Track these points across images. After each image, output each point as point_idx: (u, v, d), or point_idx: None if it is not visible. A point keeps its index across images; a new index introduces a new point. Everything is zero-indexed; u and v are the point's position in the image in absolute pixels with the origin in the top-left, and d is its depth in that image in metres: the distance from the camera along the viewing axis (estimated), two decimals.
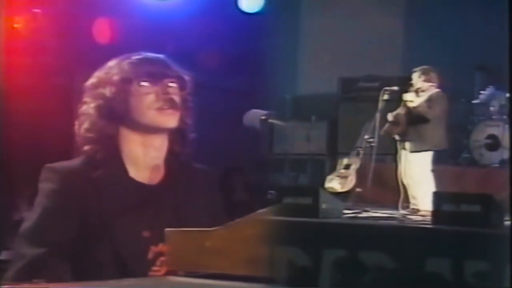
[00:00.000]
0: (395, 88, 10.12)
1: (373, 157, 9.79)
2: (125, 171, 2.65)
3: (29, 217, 2.64)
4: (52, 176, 2.65)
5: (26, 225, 2.62)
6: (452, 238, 1.81)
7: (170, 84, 2.67)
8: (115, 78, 2.66)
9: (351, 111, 11.44)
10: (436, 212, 1.90)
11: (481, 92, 10.54)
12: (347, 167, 10.45)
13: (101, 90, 2.68)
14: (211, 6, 10.08)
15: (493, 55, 10.98)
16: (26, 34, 9.46)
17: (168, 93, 2.65)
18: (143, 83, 2.64)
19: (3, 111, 8.61)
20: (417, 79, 9.31)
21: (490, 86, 10.59)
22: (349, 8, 11.73)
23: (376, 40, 11.42)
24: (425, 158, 9.05)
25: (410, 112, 9.21)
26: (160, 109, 2.63)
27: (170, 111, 2.64)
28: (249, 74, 10.53)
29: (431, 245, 1.81)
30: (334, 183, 10.26)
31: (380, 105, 9.86)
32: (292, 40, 12.30)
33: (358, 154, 10.37)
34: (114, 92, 2.65)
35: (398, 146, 9.25)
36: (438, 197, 1.95)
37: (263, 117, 2.85)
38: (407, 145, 9.16)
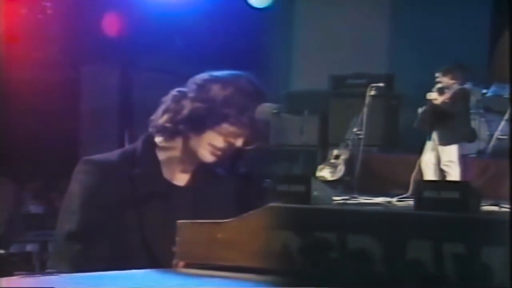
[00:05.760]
0: (381, 84, 10.13)
1: (361, 148, 9.80)
2: (160, 172, 2.55)
3: (68, 209, 2.48)
4: (91, 169, 2.50)
5: (68, 217, 2.48)
6: (433, 222, 1.81)
7: (237, 139, 2.52)
8: (196, 103, 2.52)
9: (340, 106, 11.43)
10: (419, 199, 1.90)
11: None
12: (337, 157, 10.45)
13: (184, 102, 2.54)
14: (220, 0, 9.70)
15: (470, 54, 11.00)
16: (34, 28, 8.97)
17: (236, 143, 2.52)
18: (226, 124, 2.50)
19: (7, 108, 8.28)
20: (442, 77, 9.29)
21: (468, 83, 10.58)
22: (340, 10, 11.73)
23: (364, 40, 11.42)
24: (453, 150, 9.06)
25: (436, 108, 9.19)
26: (213, 153, 2.53)
27: (221, 156, 2.54)
28: (249, 69, 10.38)
29: (414, 229, 1.81)
30: (324, 172, 10.27)
31: (367, 100, 9.87)
32: (286, 40, 12.28)
33: (347, 145, 10.39)
34: (190, 110, 2.52)
35: (428, 138, 9.24)
36: (420, 185, 1.95)
37: (275, 111, 2.80)
38: (436, 138, 9.15)
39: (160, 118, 2.57)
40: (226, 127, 2.51)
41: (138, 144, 2.59)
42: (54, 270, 2.40)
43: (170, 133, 2.55)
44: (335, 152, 10.52)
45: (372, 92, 9.91)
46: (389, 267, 1.78)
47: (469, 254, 1.71)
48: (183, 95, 2.56)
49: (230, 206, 2.59)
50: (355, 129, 9.99)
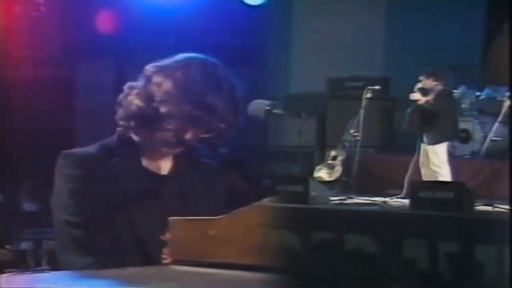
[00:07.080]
0: (377, 87, 10.14)
1: (358, 149, 9.81)
2: (138, 161, 2.51)
3: (59, 202, 2.44)
4: (73, 162, 2.46)
5: (60, 209, 2.44)
6: (428, 222, 1.80)
7: (199, 129, 2.42)
8: (155, 91, 2.41)
9: (338, 108, 11.44)
10: (414, 198, 1.90)
11: (454, 91, 10.55)
12: (334, 158, 10.46)
13: (130, 97, 2.46)
14: None
15: (465, 57, 11.00)
16: (30, 25, 8.81)
17: (186, 137, 2.42)
18: (169, 120, 2.40)
19: (2, 105, 8.04)
20: (425, 80, 9.31)
21: (462, 86, 10.60)
22: (338, 14, 11.75)
23: (360, 43, 11.43)
24: (441, 150, 9.07)
25: (420, 109, 9.21)
26: (169, 145, 2.47)
27: (179, 148, 2.48)
28: (247, 69, 10.25)
29: (409, 228, 1.81)
30: (322, 173, 10.27)
31: (364, 102, 9.87)
32: (284, 40, 12.27)
33: (344, 146, 10.39)
34: (146, 103, 2.42)
35: (418, 139, 9.25)
36: (415, 185, 1.95)
37: (267, 107, 2.70)
38: (424, 139, 9.16)
39: (116, 114, 2.52)
40: (172, 121, 2.40)
41: (115, 136, 2.55)
42: (65, 262, 2.39)
43: (126, 128, 2.51)
44: (333, 153, 10.52)
45: (369, 95, 9.92)
46: (385, 266, 1.78)
47: (463, 252, 1.71)
48: (131, 90, 2.48)
49: (217, 196, 2.57)
50: (352, 131, 10.00)
